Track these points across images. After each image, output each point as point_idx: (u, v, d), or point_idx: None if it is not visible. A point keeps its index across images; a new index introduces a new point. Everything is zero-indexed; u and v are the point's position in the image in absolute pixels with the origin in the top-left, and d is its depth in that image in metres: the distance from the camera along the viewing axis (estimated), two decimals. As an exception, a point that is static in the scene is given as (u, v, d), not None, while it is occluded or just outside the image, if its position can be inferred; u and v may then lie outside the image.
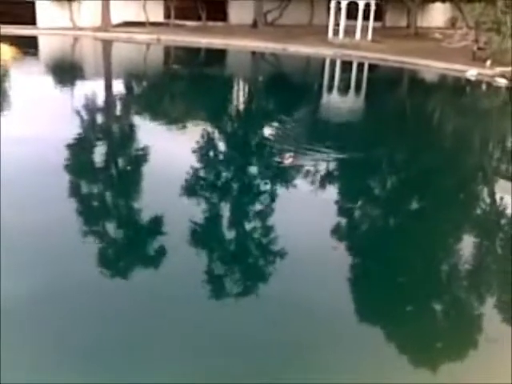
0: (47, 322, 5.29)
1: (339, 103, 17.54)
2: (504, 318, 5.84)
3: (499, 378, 4.78)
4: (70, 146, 10.15)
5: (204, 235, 7.29)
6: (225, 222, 7.66)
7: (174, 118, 13.51)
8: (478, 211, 9.11)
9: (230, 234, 7.41)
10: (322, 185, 9.42)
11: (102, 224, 7.50)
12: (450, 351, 5.29)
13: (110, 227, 7.44)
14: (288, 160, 9.92)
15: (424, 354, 5.19)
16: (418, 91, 20.23)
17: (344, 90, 19.91)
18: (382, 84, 21.45)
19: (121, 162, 10.31)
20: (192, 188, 8.77)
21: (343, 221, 8.03)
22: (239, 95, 18.64)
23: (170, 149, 10.58)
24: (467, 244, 7.49)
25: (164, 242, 6.86)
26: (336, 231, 7.51)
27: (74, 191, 8.38)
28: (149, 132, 11.55)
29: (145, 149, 10.37)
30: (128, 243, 7.18)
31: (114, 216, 7.92)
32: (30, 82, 17.22)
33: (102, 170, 9.58)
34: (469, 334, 5.64)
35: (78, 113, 12.64)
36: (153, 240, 7.00)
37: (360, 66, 24.09)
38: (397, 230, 8.11)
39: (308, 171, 9.67)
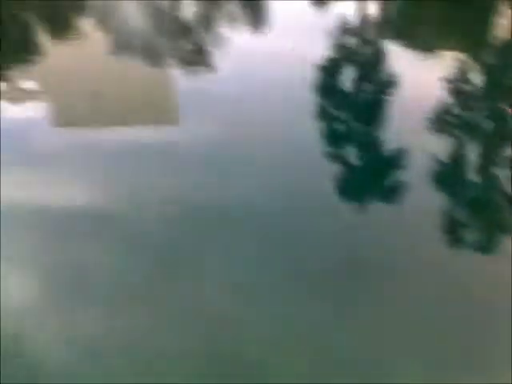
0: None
1: None
2: None
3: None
4: (316, 66, 10.15)
5: (446, 174, 6.79)
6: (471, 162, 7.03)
7: (425, 46, 12.59)
8: None
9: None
10: None
11: (341, 148, 7.48)
12: None
13: (349, 152, 7.40)
14: None
15: None
16: None
17: None
18: None
19: (369, 86, 10.02)
20: (436, 121, 8.20)
21: None
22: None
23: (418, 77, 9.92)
24: None
25: (403, 176, 6.60)
26: None
27: (317, 112, 8.44)
28: (399, 59, 11.02)
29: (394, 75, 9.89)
30: (367, 172, 7.06)
31: (354, 142, 7.82)
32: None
33: (346, 93, 9.47)
34: None
35: (329, 34, 12.45)
36: (392, 172, 6.78)
37: None
38: None
39: None
